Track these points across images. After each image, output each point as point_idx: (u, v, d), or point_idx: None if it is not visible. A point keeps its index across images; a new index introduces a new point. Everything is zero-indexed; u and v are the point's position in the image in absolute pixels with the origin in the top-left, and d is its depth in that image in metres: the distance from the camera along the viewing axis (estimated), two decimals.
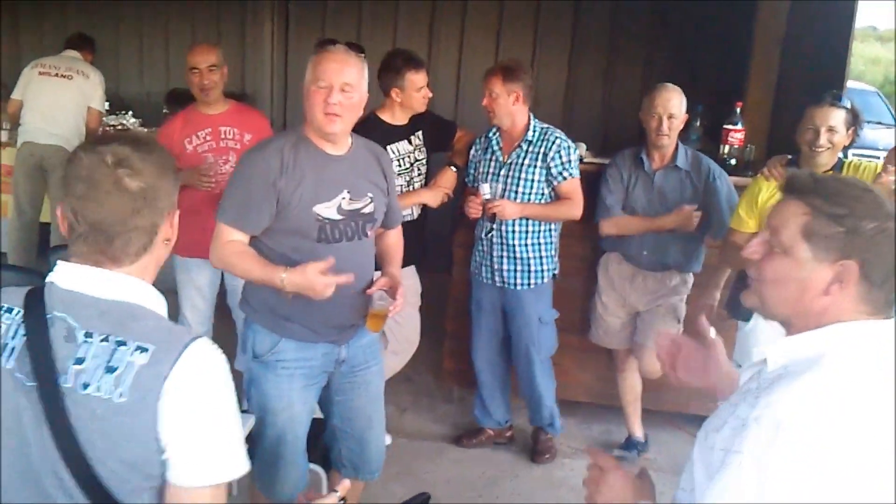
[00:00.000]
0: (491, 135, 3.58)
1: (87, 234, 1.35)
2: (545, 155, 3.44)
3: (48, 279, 1.39)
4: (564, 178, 3.46)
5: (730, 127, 4.04)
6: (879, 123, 9.38)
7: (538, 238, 3.54)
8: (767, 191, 3.15)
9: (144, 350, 1.29)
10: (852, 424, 1.20)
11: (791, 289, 1.32)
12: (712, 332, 1.69)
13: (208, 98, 3.56)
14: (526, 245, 3.53)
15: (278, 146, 2.36)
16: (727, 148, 4.02)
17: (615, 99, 6.22)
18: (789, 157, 3.21)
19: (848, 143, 3.11)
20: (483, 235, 3.59)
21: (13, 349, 1.33)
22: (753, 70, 4.73)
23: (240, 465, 1.36)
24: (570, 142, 3.49)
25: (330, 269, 2.32)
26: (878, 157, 4.31)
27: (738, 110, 4.07)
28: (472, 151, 3.65)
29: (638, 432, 3.81)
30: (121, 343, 1.30)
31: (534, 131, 3.49)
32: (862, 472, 1.18)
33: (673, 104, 3.40)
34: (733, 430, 1.25)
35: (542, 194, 3.49)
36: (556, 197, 3.51)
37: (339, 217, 2.40)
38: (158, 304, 1.41)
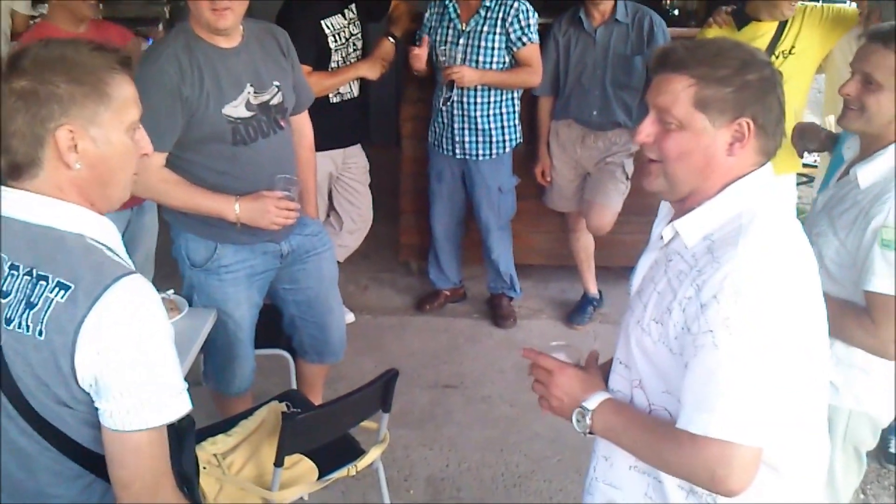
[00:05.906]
0: (447, 1, 3.47)
1: None
2: (504, 20, 3.36)
3: None
4: (524, 44, 3.40)
5: None
6: None
7: (500, 108, 3.51)
8: None
9: (65, 288, 1.22)
10: (795, 269, 1.29)
11: (697, 159, 1.31)
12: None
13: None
14: (487, 116, 3.49)
15: (172, 52, 2.22)
16: None
17: None
18: (734, 6, 3.17)
19: None
20: (441, 105, 3.53)
21: None
22: None
23: (178, 408, 1.28)
24: (528, 4, 3.40)
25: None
26: None
27: None
28: (426, 17, 3.54)
29: (593, 289, 3.93)
30: (42, 278, 1.24)
31: None
32: (809, 305, 1.31)
33: None
34: (687, 313, 1.26)
35: (504, 62, 3.43)
36: (516, 63, 3.45)
37: (249, 114, 2.32)
38: (102, 232, 1.31)
